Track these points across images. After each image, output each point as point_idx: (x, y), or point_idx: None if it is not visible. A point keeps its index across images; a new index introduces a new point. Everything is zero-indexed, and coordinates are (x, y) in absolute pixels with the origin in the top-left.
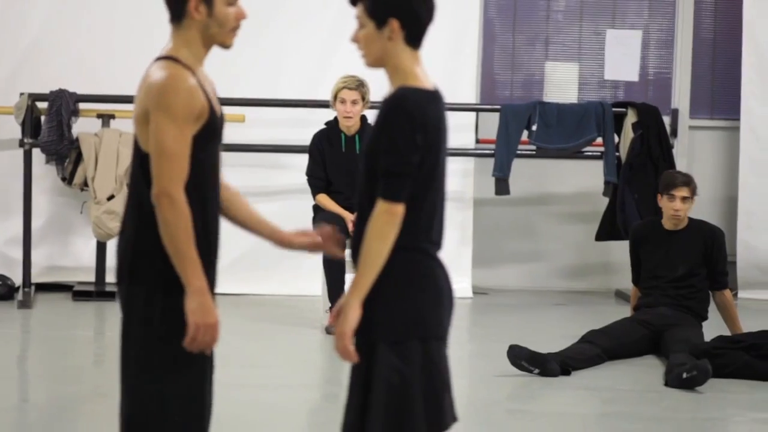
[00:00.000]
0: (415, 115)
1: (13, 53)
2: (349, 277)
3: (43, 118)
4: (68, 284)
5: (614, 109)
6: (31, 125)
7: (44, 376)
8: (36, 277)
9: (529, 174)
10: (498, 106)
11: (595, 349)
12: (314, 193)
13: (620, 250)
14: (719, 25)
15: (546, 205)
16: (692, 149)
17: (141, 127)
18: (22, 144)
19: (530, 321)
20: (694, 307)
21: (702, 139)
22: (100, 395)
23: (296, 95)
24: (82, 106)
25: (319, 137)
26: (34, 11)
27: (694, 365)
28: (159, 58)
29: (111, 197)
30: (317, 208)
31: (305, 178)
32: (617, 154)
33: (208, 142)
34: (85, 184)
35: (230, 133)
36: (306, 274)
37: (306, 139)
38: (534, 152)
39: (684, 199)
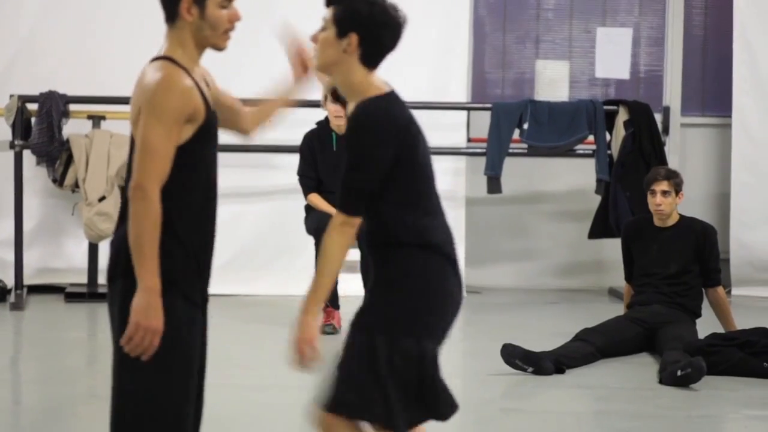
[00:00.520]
0: (376, 129)
1: (2, 55)
2: (342, 277)
3: (33, 119)
4: (60, 286)
5: (605, 107)
6: (21, 127)
7: (37, 378)
8: (28, 279)
9: (521, 172)
10: (489, 105)
11: (589, 347)
12: (306, 193)
13: (613, 248)
14: (710, 23)
15: (538, 204)
16: (684, 147)
17: (136, 127)
18: (12, 146)
19: (524, 319)
20: (688, 305)
21: (693, 137)
22: (94, 397)
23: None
24: (72, 107)
25: (309, 137)
26: (23, 12)
27: (689, 363)
28: (155, 59)
29: (102, 198)
30: (309, 208)
31: (297, 177)
32: (609, 152)
33: (204, 142)
34: (76, 185)
35: (221, 133)
36: (298, 274)
37: (297, 139)
38: (526, 150)
39: (664, 193)
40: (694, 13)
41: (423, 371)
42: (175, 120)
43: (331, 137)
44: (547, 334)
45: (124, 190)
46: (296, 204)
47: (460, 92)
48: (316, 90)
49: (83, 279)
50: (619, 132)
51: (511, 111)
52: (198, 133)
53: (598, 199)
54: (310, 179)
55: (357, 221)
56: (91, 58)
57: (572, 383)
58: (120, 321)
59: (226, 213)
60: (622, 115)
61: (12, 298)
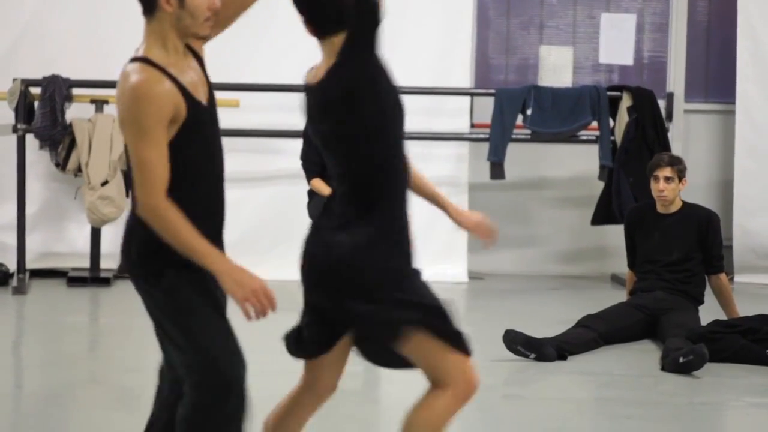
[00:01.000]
0: None
1: (6, 39)
2: None
3: (36, 103)
4: (63, 270)
5: (609, 93)
6: (24, 111)
7: (39, 363)
8: (30, 263)
9: (524, 158)
10: (492, 91)
11: (591, 334)
12: (309, 178)
13: (616, 235)
14: (714, 9)
15: (541, 190)
16: (687, 133)
17: (123, 131)
18: (15, 130)
19: (526, 306)
20: (690, 292)
21: (697, 123)
22: (95, 382)
23: (290, 80)
24: (75, 91)
25: None
26: None
27: (691, 350)
28: (131, 60)
29: (105, 183)
30: (312, 193)
31: (300, 162)
32: (612, 138)
33: (193, 134)
34: (79, 169)
35: (225, 118)
36: (297, 260)
37: (300, 124)
38: (529, 136)
39: (667, 179)
40: None
41: None
42: (157, 125)
43: None
44: (549, 321)
45: (126, 176)
46: (300, 189)
47: (464, 78)
48: None
49: (86, 263)
50: (623, 118)
51: (515, 97)
52: (183, 130)
53: (601, 185)
54: (313, 164)
55: None
56: (95, 43)
57: (574, 370)
58: (170, 309)
59: (228, 197)
60: (626, 101)
61: (14, 282)
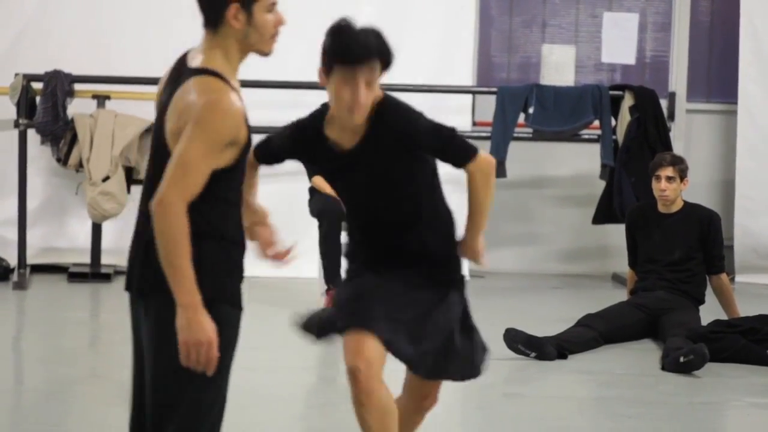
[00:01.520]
0: None
1: (8, 33)
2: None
3: (38, 98)
4: (64, 266)
5: (611, 92)
6: (26, 106)
7: (39, 358)
8: (31, 259)
9: (526, 157)
10: (494, 89)
11: (592, 333)
12: (310, 175)
13: (617, 234)
14: (716, 8)
15: (542, 188)
16: (689, 133)
17: (174, 139)
18: (17, 125)
19: (527, 304)
20: (691, 291)
21: (699, 123)
22: (96, 377)
23: (293, 77)
24: (77, 86)
25: None
26: None
27: (691, 349)
28: (199, 71)
29: (106, 178)
30: (313, 190)
31: None
32: (614, 137)
33: (240, 160)
34: (81, 165)
35: None
36: (302, 256)
37: None
38: (531, 135)
39: (669, 178)
40: None
41: None
42: (220, 142)
43: None
44: (549, 320)
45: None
46: (301, 186)
47: (466, 76)
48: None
49: (86, 259)
50: (625, 117)
51: (517, 95)
52: (241, 154)
53: (602, 184)
54: None
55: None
56: (97, 38)
57: (575, 369)
58: (161, 333)
59: None
60: (628, 101)
61: (15, 277)
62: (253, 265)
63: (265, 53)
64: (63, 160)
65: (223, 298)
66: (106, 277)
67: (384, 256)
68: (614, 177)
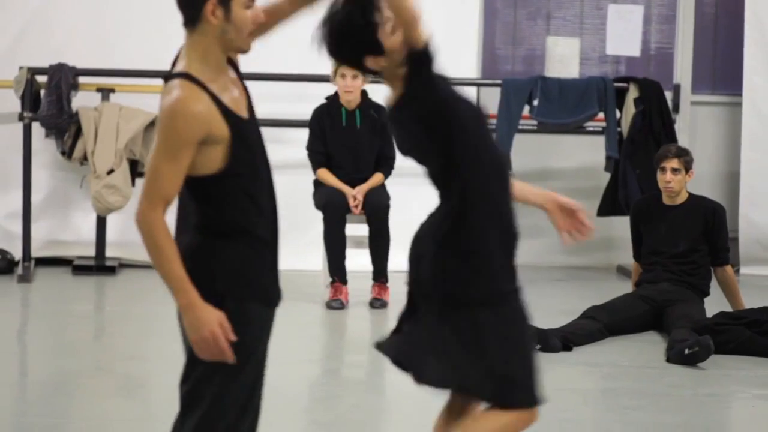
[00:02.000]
0: None
1: (12, 27)
2: (349, 252)
3: (42, 91)
4: (68, 258)
5: (616, 85)
6: (30, 99)
7: (44, 351)
8: (36, 252)
9: (531, 149)
10: (499, 81)
11: (597, 325)
12: (315, 168)
13: (622, 226)
14: (721, 0)
15: (547, 181)
16: (694, 125)
17: None
18: (21, 118)
19: (531, 297)
20: (696, 283)
21: (704, 115)
22: (100, 370)
23: (297, 69)
24: (81, 80)
25: (319, 112)
26: None
27: (696, 341)
28: (173, 76)
29: (111, 171)
30: (318, 183)
31: (306, 152)
32: (619, 129)
33: (240, 150)
34: (85, 158)
35: None
36: (306, 249)
37: (306, 114)
38: (535, 127)
39: (674, 170)
40: None
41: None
42: (184, 143)
43: (341, 113)
44: (554, 312)
45: (133, 165)
46: (305, 179)
47: (470, 68)
48: (325, 65)
49: (91, 252)
50: (629, 109)
51: (521, 87)
52: (229, 149)
53: (607, 176)
54: (319, 154)
55: None
56: (101, 31)
57: (579, 361)
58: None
59: None
60: (633, 93)
61: (20, 270)
62: None
63: (243, 50)
64: (67, 153)
65: (240, 295)
66: (111, 270)
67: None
68: (619, 169)
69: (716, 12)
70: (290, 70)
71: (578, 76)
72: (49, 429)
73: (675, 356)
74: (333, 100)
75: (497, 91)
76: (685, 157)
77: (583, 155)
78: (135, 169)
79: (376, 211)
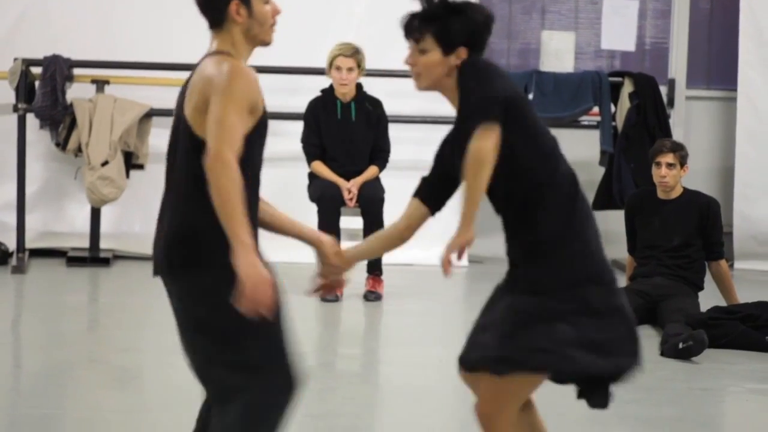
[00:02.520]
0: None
1: (7, 18)
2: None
3: (37, 83)
4: (62, 250)
5: (611, 79)
6: (25, 90)
7: (38, 342)
8: (30, 243)
9: None
10: None
11: None
12: (309, 161)
13: (616, 220)
14: None
15: None
16: (689, 119)
17: (201, 116)
18: (16, 109)
19: None
20: (690, 278)
21: (699, 110)
22: (93, 361)
23: (292, 62)
24: (76, 71)
25: (314, 104)
26: None
27: (690, 335)
28: (213, 54)
29: (105, 163)
30: (312, 176)
31: (300, 145)
32: (613, 123)
33: (258, 138)
34: (80, 149)
35: None
36: (300, 242)
37: (301, 106)
38: None
39: (669, 165)
40: None
41: None
42: (247, 105)
43: (336, 105)
44: None
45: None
46: (300, 171)
47: None
48: (320, 57)
49: (85, 243)
50: (624, 104)
51: (516, 81)
52: (256, 127)
53: (602, 170)
54: (314, 147)
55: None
56: (96, 23)
57: None
58: (209, 306)
59: None
60: (627, 87)
61: (14, 261)
62: None
63: (266, 43)
64: (62, 145)
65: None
66: (105, 262)
67: None
68: (614, 163)
69: (711, 7)
70: (285, 62)
71: (573, 71)
72: (42, 420)
73: (669, 350)
74: (328, 92)
75: None
76: (680, 151)
77: (577, 149)
78: (129, 161)
79: (371, 204)
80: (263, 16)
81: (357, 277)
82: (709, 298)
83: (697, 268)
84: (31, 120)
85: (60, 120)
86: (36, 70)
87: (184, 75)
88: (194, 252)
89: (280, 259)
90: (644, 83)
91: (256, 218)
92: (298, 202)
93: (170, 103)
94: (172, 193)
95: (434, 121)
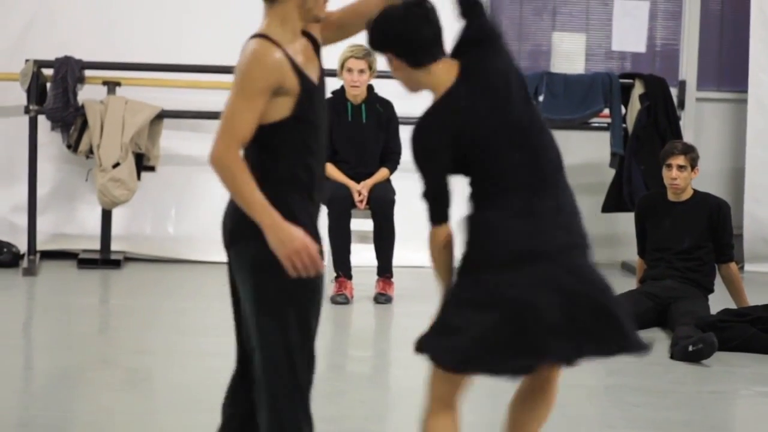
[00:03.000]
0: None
1: (19, 19)
2: (354, 247)
3: (48, 84)
4: (73, 252)
5: (621, 81)
6: (36, 92)
7: (49, 344)
8: (41, 245)
9: None
10: None
11: None
12: None
13: (626, 222)
14: None
15: None
16: (699, 121)
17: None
18: (27, 111)
19: None
20: (700, 280)
21: (709, 111)
22: (104, 363)
23: None
24: (87, 73)
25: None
26: None
27: (700, 338)
28: (253, 36)
29: (116, 165)
30: None
31: None
32: (624, 125)
33: (305, 110)
34: (91, 151)
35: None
36: None
37: None
38: None
39: (680, 167)
40: None
41: None
42: (259, 91)
43: (347, 107)
44: None
45: (138, 159)
46: None
47: None
48: (332, 60)
49: (96, 245)
50: (635, 106)
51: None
52: (298, 103)
53: (612, 172)
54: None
55: (443, 229)
56: (107, 24)
57: None
58: (253, 272)
59: None
60: (638, 89)
61: (25, 263)
62: None
63: (319, 18)
64: (73, 147)
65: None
66: (116, 264)
67: None
68: (624, 165)
69: (722, 8)
70: None
71: (584, 72)
72: (53, 422)
73: (679, 353)
74: (339, 94)
75: None
76: (691, 154)
77: (588, 151)
78: (140, 163)
79: (381, 206)
80: None
81: (367, 279)
82: (719, 301)
83: (707, 270)
84: (43, 122)
85: (71, 122)
86: (47, 72)
87: (195, 76)
88: (239, 226)
89: None
90: (655, 85)
91: (320, 182)
92: None
93: (181, 104)
94: None
95: None
